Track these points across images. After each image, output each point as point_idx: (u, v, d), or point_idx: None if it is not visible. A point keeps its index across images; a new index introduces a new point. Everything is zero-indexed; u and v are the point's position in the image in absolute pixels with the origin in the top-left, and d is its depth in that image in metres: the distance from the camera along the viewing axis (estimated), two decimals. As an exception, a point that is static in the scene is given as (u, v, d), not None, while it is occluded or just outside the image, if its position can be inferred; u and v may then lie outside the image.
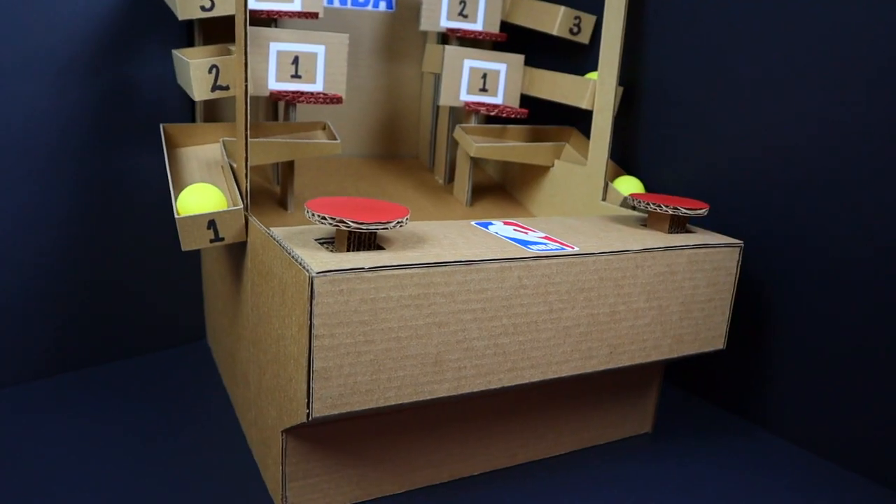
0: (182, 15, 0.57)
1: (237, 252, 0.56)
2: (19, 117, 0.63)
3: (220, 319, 0.66)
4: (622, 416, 0.61)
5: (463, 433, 0.53)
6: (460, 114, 0.74)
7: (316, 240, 0.46)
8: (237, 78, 0.53)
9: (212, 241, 0.52)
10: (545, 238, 0.50)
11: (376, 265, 0.41)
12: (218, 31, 0.68)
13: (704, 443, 0.60)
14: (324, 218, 0.42)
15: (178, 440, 0.56)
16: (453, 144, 0.76)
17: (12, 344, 0.65)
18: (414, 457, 0.52)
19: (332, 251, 0.44)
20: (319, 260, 0.41)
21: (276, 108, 0.71)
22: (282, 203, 0.66)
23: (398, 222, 0.43)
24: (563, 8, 0.70)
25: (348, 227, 0.42)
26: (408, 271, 0.42)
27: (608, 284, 0.49)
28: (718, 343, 0.57)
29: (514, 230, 0.52)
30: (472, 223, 0.53)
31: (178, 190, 0.54)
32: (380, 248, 0.45)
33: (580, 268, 0.48)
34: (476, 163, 0.72)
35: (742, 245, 0.55)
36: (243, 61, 0.50)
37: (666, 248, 0.51)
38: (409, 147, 0.82)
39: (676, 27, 0.66)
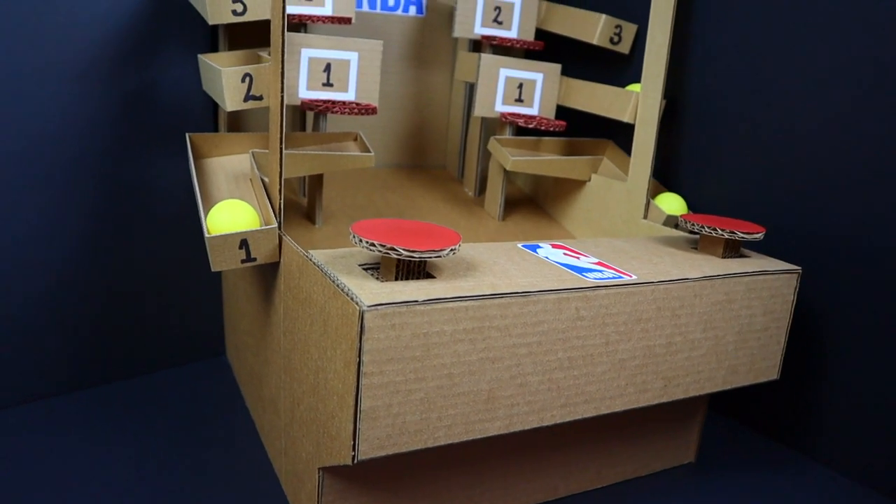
0: (212, 20, 0.54)
1: (267, 272, 0.53)
2: (39, 123, 0.61)
3: (243, 338, 0.63)
4: (665, 445, 0.58)
5: (504, 467, 0.51)
6: (493, 124, 0.71)
7: (360, 266, 0.43)
8: (272, 88, 0.50)
9: (243, 261, 0.49)
10: (599, 264, 0.47)
11: (430, 297, 0.38)
12: (244, 36, 0.65)
13: (750, 474, 0.58)
14: (373, 245, 0.39)
15: (201, 464, 0.53)
16: (485, 156, 0.73)
17: (29, 359, 0.62)
18: (453, 492, 0.49)
19: (378, 279, 0.41)
20: (369, 291, 0.38)
21: (304, 116, 0.68)
22: (309, 217, 0.63)
23: (451, 250, 0.40)
24: (604, 16, 0.67)
25: (399, 255, 0.39)
26: (462, 304, 0.39)
27: (665, 314, 0.46)
28: (772, 373, 0.54)
29: (565, 254, 0.49)
30: (520, 246, 0.50)
31: (207, 205, 0.51)
32: (429, 276, 0.42)
33: (638, 297, 0.45)
34: (507, 175, 0.69)
35: (800, 271, 0.53)
36: (280, 70, 0.48)
37: (725, 276, 0.49)
38: (437, 157, 0.79)
39: (722, 37, 0.63)
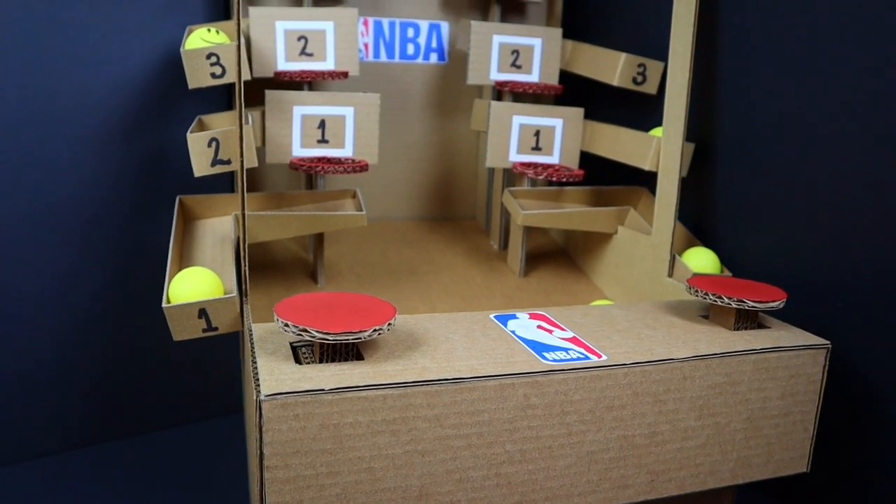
0: (192, 84, 0.53)
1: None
2: (56, 186, 0.62)
3: (248, 393, 0.62)
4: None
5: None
6: (514, 174, 0.67)
7: (293, 344, 0.40)
8: (234, 151, 0.48)
9: (205, 330, 0.47)
10: (570, 340, 0.42)
11: (339, 385, 0.35)
12: (260, 92, 0.64)
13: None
14: (287, 325, 0.37)
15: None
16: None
17: (43, 414, 0.64)
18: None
19: (306, 360, 0.38)
20: (277, 377, 0.35)
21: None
22: (313, 276, 0.62)
23: (375, 330, 0.37)
24: (623, 55, 0.62)
25: (313, 337, 0.36)
26: (380, 392, 0.35)
27: (645, 400, 0.40)
28: (800, 465, 0.46)
29: (539, 327, 0.44)
30: (491, 316, 0.45)
31: (179, 269, 0.50)
32: (360, 356, 0.38)
33: (607, 382, 0.39)
34: (529, 228, 0.64)
35: (829, 346, 0.45)
36: (239, 133, 0.46)
37: (723, 355, 0.42)
38: (465, 208, 0.76)
39: (754, 72, 0.56)
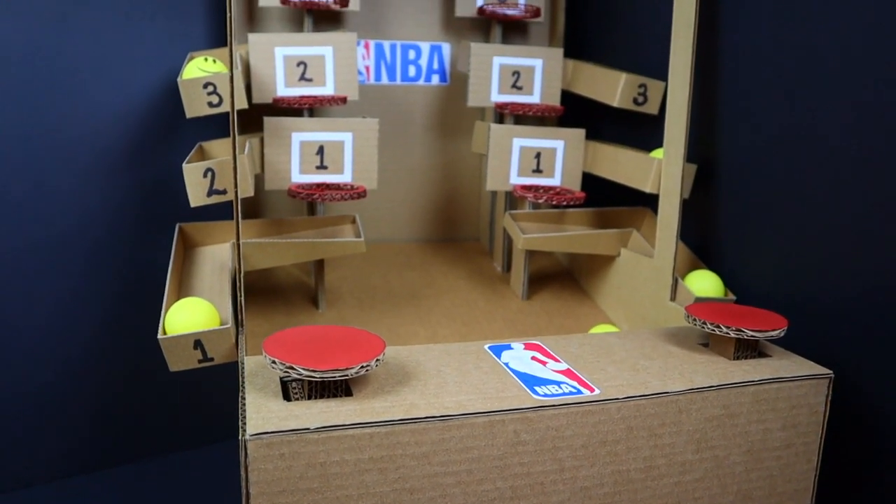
0: (189, 113, 0.54)
1: (239, 368, 0.51)
2: (56, 213, 0.63)
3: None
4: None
5: None
6: (515, 197, 0.67)
7: (283, 379, 0.40)
8: (230, 181, 0.48)
9: (200, 361, 0.47)
10: (564, 373, 0.42)
11: (325, 424, 0.34)
12: (257, 121, 0.64)
13: None
14: (274, 363, 0.36)
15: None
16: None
17: (44, 440, 0.64)
18: None
19: (295, 396, 0.38)
20: (264, 414, 0.35)
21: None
22: (314, 301, 0.61)
23: (362, 367, 0.36)
24: (624, 76, 0.61)
25: (299, 374, 0.36)
26: (366, 430, 0.35)
27: (640, 435, 0.40)
28: (804, 498, 0.45)
29: (533, 358, 0.44)
30: (486, 347, 0.45)
31: (177, 299, 0.50)
32: (349, 392, 0.38)
33: (599, 416, 0.39)
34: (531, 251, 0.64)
35: (832, 376, 0.44)
36: (233, 164, 0.46)
37: (720, 387, 0.41)
38: (469, 229, 0.75)
39: (755, 93, 0.55)
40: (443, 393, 0.38)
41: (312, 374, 0.36)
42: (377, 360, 0.37)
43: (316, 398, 0.37)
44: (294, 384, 0.39)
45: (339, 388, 0.38)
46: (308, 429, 0.34)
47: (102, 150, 0.64)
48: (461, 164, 0.74)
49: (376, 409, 0.36)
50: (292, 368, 0.36)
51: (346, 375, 0.36)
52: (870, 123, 0.47)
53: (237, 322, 0.48)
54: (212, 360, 0.47)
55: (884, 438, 0.48)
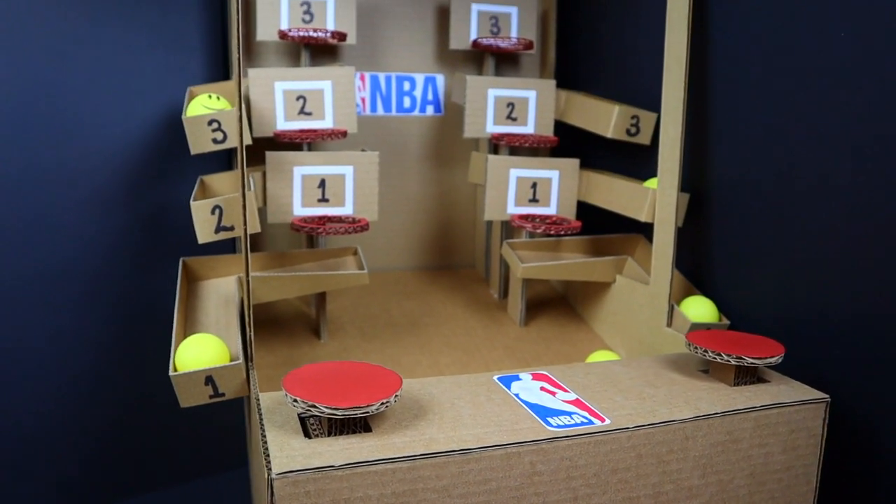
0: (194, 150, 0.54)
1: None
2: (56, 246, 0.63)
3: (251, 458, 0.62)
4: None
5: None
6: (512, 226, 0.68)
7: (301, 416, 0.40)
8: (237, 218, 0.49)
9: (212, 397, 0.48)
10: (573, 403, 0.43)
11: (349, 461, 0.35)
12: (257, 154, 0.65)
13: None
14: (296, 401, 0.37)
15: None
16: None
17: (46, 473, 0.64)
18: None
19: (315, 432, 0.39)
20: (288, 452, 0.36)
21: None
22: (316, 331, 0.62)
23: (382, 404, 0.37)
24: (617, 107, 0.63)
25: (321, 412, 0.36)
26: (389, 466, 0.36)
27: (650, 462, 0.41)
28: (804, 518, 0.46)
29: (542, 388, 0.45)
30: (495, 378, 0.46)
31: (186, 335, 0.51)
32: (368, 427, 0.39)
33: (611, 446, 0.40)
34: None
35: (828, 400, 0.45)
36: (242, 202, 0.47)
37: (724, 414, 0.43)
38: (464, 257, 0.77)
39: (746, 123, 0.57)
40: (459, 426, 0.39)
41: (335, 412, 0.36)
42: (396, 395, 0.38)
43: (336, 434, 0.38)
44: (312, 420, 0.40)
45: (357, 424, 0.39)
46: (332, 466, 0.35)
47: (101, 182, 0.64)
48: (455, 193, 0.75)
49: (397, 445, 0.37)
50: (314, 406, 0.37)
51: (368, 412, 0.37)
52: (861, 155, 0.49)
53: (247, 357, 0.48)
54: (223, 395, 0.48)
55: (878, 459, 0.49)
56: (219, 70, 0.69)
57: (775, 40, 0.53)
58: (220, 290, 0.58)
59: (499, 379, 0.46)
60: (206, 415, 0.70)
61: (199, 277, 0.59)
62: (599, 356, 0.59)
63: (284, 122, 0.62)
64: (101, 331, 0.65)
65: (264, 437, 0.38)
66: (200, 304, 0.56)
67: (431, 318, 0.66)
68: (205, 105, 0.55)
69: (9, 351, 0.62)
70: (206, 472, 0.70)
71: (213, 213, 0.50)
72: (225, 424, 0.71)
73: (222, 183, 0.60)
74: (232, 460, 0.72)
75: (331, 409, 0.36)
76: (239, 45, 0.45)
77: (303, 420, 0.40)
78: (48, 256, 0.63)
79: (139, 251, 0.66)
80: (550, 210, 0.65)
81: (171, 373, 0.47)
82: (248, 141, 0.55)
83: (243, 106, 0.57)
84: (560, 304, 0.71)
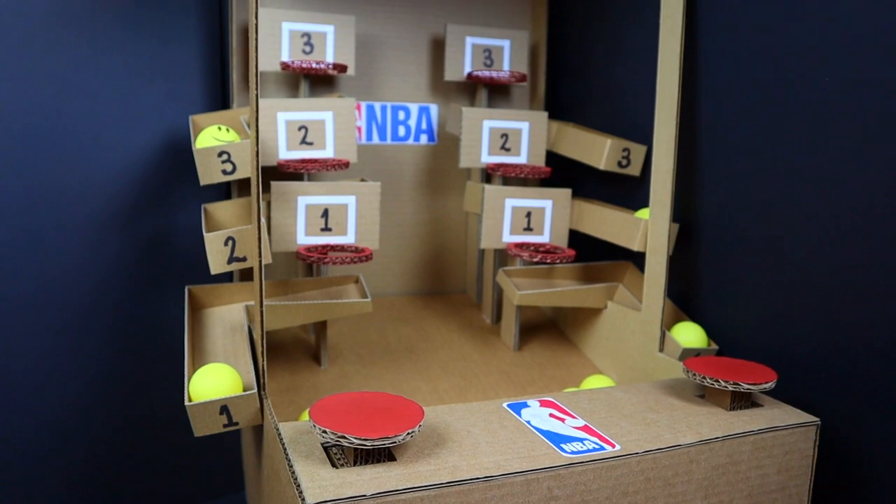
0: (203, 181, 0.55)
1: (258, 429, 0.52)
2: (56, 269, 0.63)
3: (252, 481, 0.63)
4: None
5: None
6: (506, 253, 0.70)
7: (324, 445, 0.41)
8: (249, 249, 0.50)
9: (225, 426, 0.49)
10: (583, 429, 0.45)
11: (380, 490, 0.37)
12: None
13: None
14: (325, 432, 0.38)
15: None
16: (499, 284, 0.71)
17: (43, 497, 0.64)
18: None
19: (339, 461, 0.40)
20: (318, 483, 0.37)
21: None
22: (316, 358, 0.63)
23: (408, 433, 0.39)
24: (609, 141, 0.66)
25: (351, 443, 0.38)
26: (417, 494, 0.37)
27: (656, 485, 0.43)
28: (797, 536, 0.49)
29: (551, 415, 0.47)
30: (504, 406, 0.48)
31: (198, 364, 0.52)
32: (392, 457, 0.40)
33: (622, 470, 0.42)
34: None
35: (818, 423, 0.48)
36: (257, 235, 0.48)
37: (725, 438, 0.45)
38: (456, 282, 0.78)
39: (734, 155, 0.60)
40: (479, 453, 0.41)
41: (363, 442, 0.38)
42: (420, 426, 0.40)
43: (361, 464, 0.39)
44: (335, 450, 0.41)
45: (382, 455, 0.40)
46: (364, 495, 0.36)
47: (100, 207, 0.65)
48: (448, 220, 0.77)
49: (423, 473, 0.38)
50: (344, 437, 0.38)
51: (395, 443, 0.38)
52: (841, 187, 0.52)
53: (260, 387, 0.49)
54: (236, 424, 0.49)
55: (862, 477, 0.52)
56: (217, 98, 0.70)
57: (761, 80, 0.57)
58: (226, 318, 0.59)
59: (508, 406, 0.48)
60: (202, 440, 0.70)
61: (203, 305, 0.60)
62: (594, 381, 0.61)
63: (287, 152, 0.63)
64: (96, 355, 0.65)
65: (292, 467, 0.39)
66: (206, 332, 0.57)
67: (427, 343, 0.68)
68: (214, 137, 0.56)
69: (4, 372, 0.62)
70: (202, 498, 0.71)
71: (226, 244, 0.51)
72: (216, 451, 0.71)
73: (225, 212, 0.61)
74: (220, 487, 0.72)
75: (360, 439, 0.38)
76: (257, 78, 0.47)
77: (326, 449, 0.41)
78: (45, 279, 0.63)
79: (137, 276, 0.66)
80: (544, 238, 0.67)
81: (186, 403, 0.48)
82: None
83: (259, 141, 0.59)
84: (551, 328, 0.73)
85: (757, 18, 0.56)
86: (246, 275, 0.68)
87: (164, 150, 0.67)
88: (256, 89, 0.47)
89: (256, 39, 0.45)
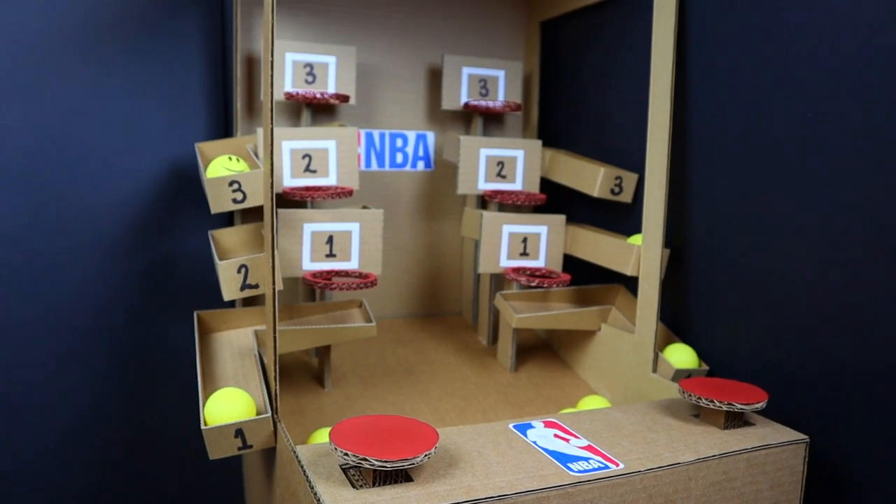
0: (214, 209, 0.57)
1: (270, 451, 0.54)
2: (64, 295, 0.64)
3: (255, 504, 0.64)
4: None
5: None
6: (502, 277, 0.72)
7: (342, 467, 0.43)
8: (266, 279, 0.52)
9: (240, 448, 0.50)
10: (587, 449, 0.47)
11: (401, 510, 0.38)
12: (257, 209, 0.68)
13: None
14: (346, 454, 0.40)
15: None
16: (495, 307, 0.73)
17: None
18: None
19: (357, 482, 0.41)
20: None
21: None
22: (319, 380, 0.65)
23: (426, 455, 0.41)
24: (602, 169, 0.68)
25: (372, 465, 0.39)
26: (435, 513, 0.39)
27: (658, 501, 0.45)
28: (788, 549, 0.51)
29: (555, 436, 0.49)
30: (510, 427, 0.50)
31: (209, 389, 0.53)
32: (408, 477, 0.42)
33: (626, 488, 0.44)
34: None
35: (808, 441, 0.51)
36: (271, 263, 0.50)
37: (721, 456, 0.47)
38: (452, 304, 0.80)
39: (723, 181, 0.63)
40: (491, 473, 0.43)
41: (384, 464, 0.39)
42: (436, 448, 0.41)
43: (380, 485, 0.41)
44: (353, 471, 0.43)
45: (399, 475, 0.42)
46: (386, 515, 0.38)
47: (107, 232, 0.66)
48: (444, 244, 0.79)
49: (440, 493, 0.40)
50: (365, 460, 0.40)
51: (413, 464, 0.40)
52: (827, 214, 0.55)
53: (273, 410, 0.51)
54: (250, 447, 0.50)
55: (849, 492, 0.55)
56: (220, 126, 0.71)
57: (750, 111, 0.60)
58: (234, 342, 0.60)
59: (514, 427, 0.50)
60: (205, 469, 0.71)
61: (210, 329, 0.61)
62: (591, 402, 0.63)
63: (291, 180, 0.65)
64: (100, 377, 0.66)
65: (314, 489, 0.40)
66: (216, 356, 0.58)
67: (426, 365, 0.69)
68: (225, 167, 0.58)
69: (11, 395, 0.62)
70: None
71: (238, 271, 0.53)
72: (217, 471, 0.72)
73: (231, 238, 0.63)
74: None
75: (381, 461, 0.39)
76: (272, 114, 0.48)
77: (344, 471, 0.43)
78: (53, 302, 0.64)
79: (142, 299, 0.67)
80: (539, 263, 0.70)
81: (202, 427, 0.49)
82: (259, 201, 0.58)
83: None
84: (545, 350, 0.75)
85: (746, 51, 0.59)
86: (248, 300, 0.69)
87: (169, 177, 0.69)
88: (271, 124, 0.49)
89: (272, 76, 0.47)
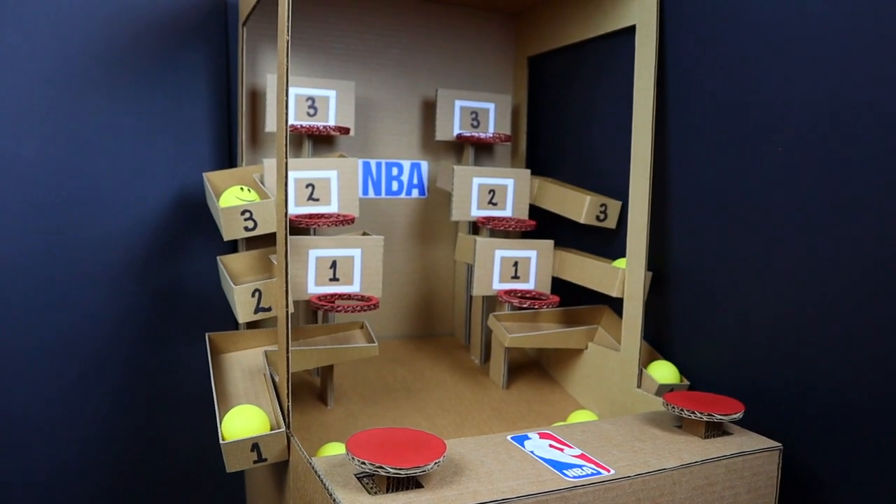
0: (227, 237, 0.60)
1: (280, 464, 0.57)
2: (74, 320, 0.67)
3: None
4: None
5: None
6: (494, 298, 0.76)
7: (356, 475, 0.47)
8: (279, 302, 0.55)
9: (255, 462, 0.53)
10: (581, 457, 0.51)
11: (415, 514, 0.42)
12: (267, 237, 0.71)
13: None
14: (363, 463, 0.44)
15: None
16: (487, 327, 0.77)
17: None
18: None
19: (371, 489, 0.45)
20: (360, 509, 0.42)
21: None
22: (322, 398, 0.68)
23: (436, 463, 0.44)
24: (588, 197, 0.73)
25: (388, 473, 0.43)
26: (446, 516, 0.43)
27: (647, 505, 0.49)
28: (765, 550, 0.55)
29: (550, 446, 0.52)
30: (509, 438, 0.54)
31: (224, 407, 0.56)
32: (419, 484, 0.45)
33: (617, 492, 0.48)
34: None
35: (781, 448, 0.55)
36: (284, 288, 0.53)
37: (703, 462, 0.51)
38: (444, 325, 0.84)
39: (702, 208, 0.67)
40: (495, 480, 0.46)
41: (399, 471, 0.43)
42: (444, 456, 0.45)
43: (393, 491, 0.45)
44: (367, 479, 0.46)
45: (411, 482, 0.45)
46: (402, 518, 0.42)
47: (117, 259, 0.69)
48: (437, 268, 0.83)
49: (450, 498, 0.44)
50: (381, 468, 0.43)
51: (425, 471, 0.44)
52: (799, 240, 0.60)
53: (287, 425, 0.54)
54: (265, 460, 0.53)
55: (821, 494, 0.59)
56: (224, 156, 0.75)
57: (726, 141, 0.64)
58: (244, 362, 0.63)
59: (512, 438, 0.54)
60: (208, 489, 0.74)
61: (221, 350, 0.64)
62: (580, 416, 0.67)
63: (295, 208, 0.68)
64: (110, 400, 0.69)
65: (332, 496, 0.44)
66: (227, 376, 0.61)
67: (423, 383, 0.73)
68: (238, 196, 0.61)
69: (24, 419, 0.65)
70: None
71: (252, 295, 0.56)
72: (223, 494, 0.75)
73: (238, 263, 0.66)
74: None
75: (395, 469, 0.43)
76: (286, 148, 0.52)
77: (358, 479, 0.46)
78: (64, 327, 0.66)
79: (150, 323, 0.70)
80: (529, 285, 0.74)
81: (221, 441, 0.52)
82: (270, 228, 0.62)
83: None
84: (534, 368, 0.79)
85: (723, 84, 0.64)
86: (253, 322, 0.73)
87: (177, 205, 0.72)
88: (286, 158, 0.52)
89: (286, 114, 0.51)
